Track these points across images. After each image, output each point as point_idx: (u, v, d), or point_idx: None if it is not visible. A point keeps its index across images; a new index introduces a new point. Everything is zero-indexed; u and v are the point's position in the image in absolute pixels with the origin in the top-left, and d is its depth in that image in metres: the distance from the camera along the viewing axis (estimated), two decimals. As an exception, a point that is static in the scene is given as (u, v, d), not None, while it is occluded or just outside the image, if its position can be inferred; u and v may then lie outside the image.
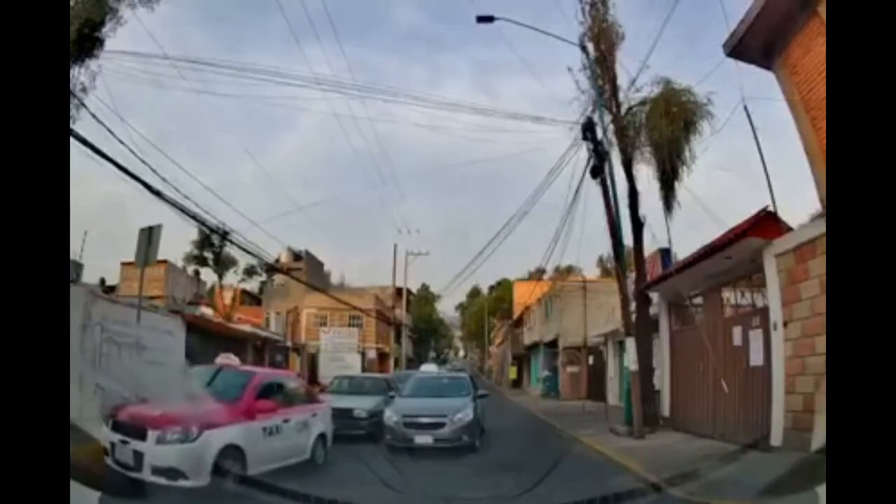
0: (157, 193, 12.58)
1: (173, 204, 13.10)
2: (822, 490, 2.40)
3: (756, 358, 9.21)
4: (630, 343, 11.68)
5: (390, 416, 10.28)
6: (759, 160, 11.31)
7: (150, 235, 12.63)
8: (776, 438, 8.25)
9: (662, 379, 12.59)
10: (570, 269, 37.42)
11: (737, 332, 9.92)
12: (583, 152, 13.71)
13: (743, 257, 9.55)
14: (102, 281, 26.85)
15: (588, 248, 60.55)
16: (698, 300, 11.84)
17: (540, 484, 6.27)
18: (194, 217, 13.90)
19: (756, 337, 9.27)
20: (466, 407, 10.38)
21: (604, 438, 11.33)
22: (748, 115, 11.70)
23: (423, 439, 9.75)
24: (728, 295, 11.08)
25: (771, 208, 9.50)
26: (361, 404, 11.48)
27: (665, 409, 12.36)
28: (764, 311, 9.09)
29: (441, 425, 9.84)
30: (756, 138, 11.33)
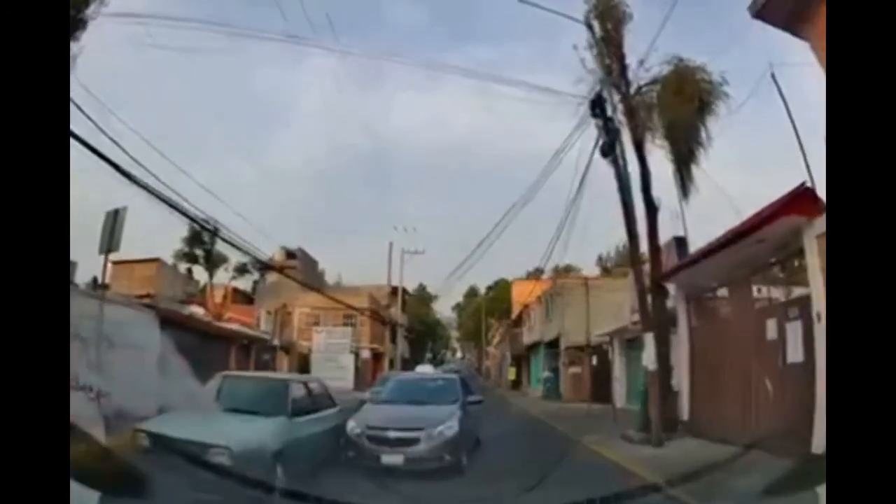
0: (128, 176, 11.56)
1: (148, 190, 12.07)
2: (822, 490, 2.33)
3: (794, 353, 8.13)
4: (649, 339, 10.49)
5: (353, 427, 8.21)
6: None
7: (115, 219, 11.64)
8: (818, 445, 7.13)
9: (680, 379, 11.43)
10: (568, 269, 36.62)
11: (771, 324, 8.82)
12: (589, 143, 12.76)
13: (777, 241, 8.47)
14: (95, 279, 25.79)
15: (587, 247, 59.61)
16: (722, 292, 10.74)
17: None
18: (174, 206, 12.88)
19: (794, 329, 8.18)
20: (451, 417, 8.36)
21: (617, 446, 10.13)
22: (776, 83, 10.76)
23: (392, 459, 7.66)
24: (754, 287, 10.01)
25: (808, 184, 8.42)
26: (232, 436, 6.04)
27: (683, 413, 11.19)
28: (803, 301, 7.96)
29: (414, 441, 7.80)
30: (787, 107, 10.37)
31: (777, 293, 9.55)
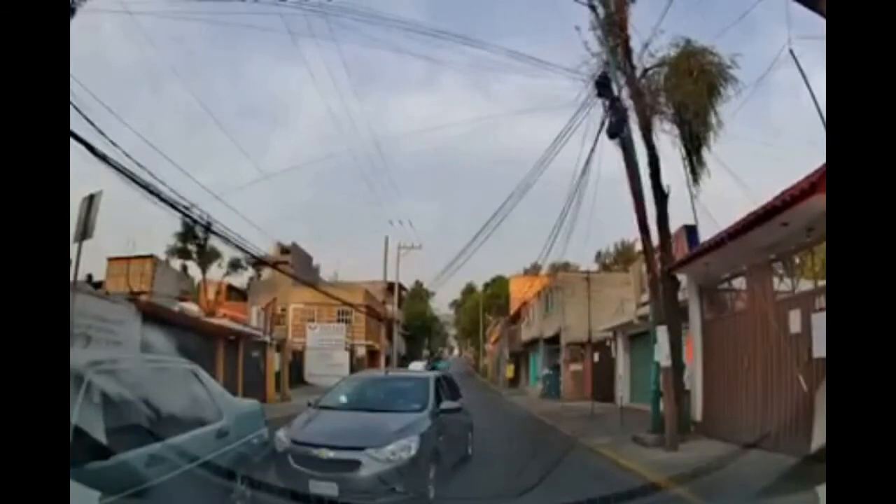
0: (104, 158, 10.93)
1: (120, 170, 11.41)
2: (822, 490, 2.26)
3: (822, 348, 7.40)
4: (662, 333, 9.72)
5: (281, 439, 6.16)
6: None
7: (89, 205, 10.97)
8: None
9: (693, 377, 10.73)
10: (566, 266, 35.99)
11: (794, 316, 8.09)
12: (593, 131, 12.21)
13: (802, 224, 7.77)
14: (90, 277, 25.35)
15: (586, 245, 59.18)
16: (737, 283, 10.05)
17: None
18: (164, 199, 12.30)
19: (821, 322, 7.45)
20: (409, 432, 6.15)
21: (630, 450, 9.39)
22: (795, 59, 10.10)
23: (323, 487, 5.57)
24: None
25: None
26: None
27: (696, 413, 10.49)
28: (833, 290, 7.25)
29: (353, 465, 5.68)
30: (806, 81, 9.74)
31: (799, 283, 8.87)
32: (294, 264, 37.32)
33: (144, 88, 67.71)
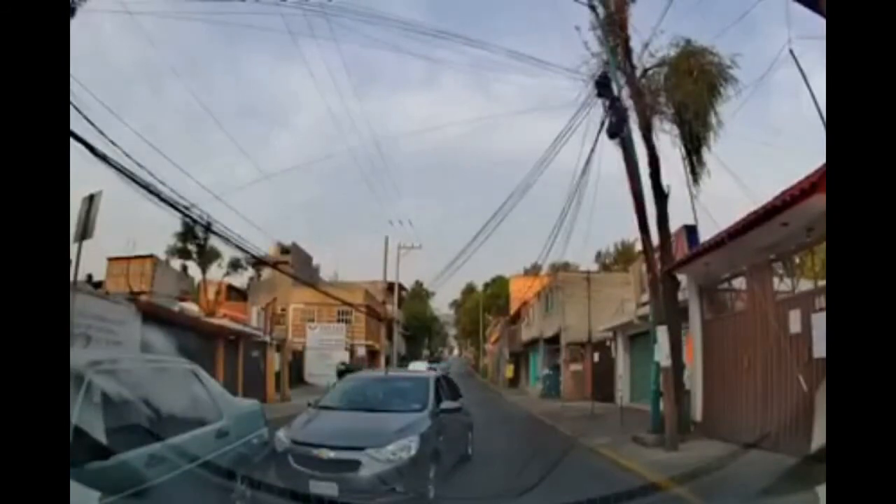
0: (104, 158, 10.88)
1: (120, 170, 11.37)
2: (822, 490, 2.29)
3: (822, 348, 7.40)
4: (662, 333, 9.73)
5: (281, 439, 6.14)
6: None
7: (90, 205, 10.95)
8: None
9: (693, 377, 10.73)
10: (566, 266, 36.01)
11: (794, 316, 8.08)
12: (593, 130, 12.21)
13: (802, 224, 7.77)
14: (90, 277, 25.33)
15: (586, 245, 59.23)
16: (737, 283, 10.05)
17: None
18: (159, 199, 12.23)
19: (821, 322, 7.45)
20: (409, 432, 6.13)
21: (630, 450, 9.38)
22: (795, 59, 10.13)
23: (323, 488, 5.54)
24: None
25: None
26: None
27: (696, 413, 10.49)
28: (834, 290, 7.25)
29: (354, 465, 5.65)
30: (806, 81, 9.77)
31: (799, 283, 8.87)
32: (294, 264, 37.31)
33: (144, 88, 67.96)
